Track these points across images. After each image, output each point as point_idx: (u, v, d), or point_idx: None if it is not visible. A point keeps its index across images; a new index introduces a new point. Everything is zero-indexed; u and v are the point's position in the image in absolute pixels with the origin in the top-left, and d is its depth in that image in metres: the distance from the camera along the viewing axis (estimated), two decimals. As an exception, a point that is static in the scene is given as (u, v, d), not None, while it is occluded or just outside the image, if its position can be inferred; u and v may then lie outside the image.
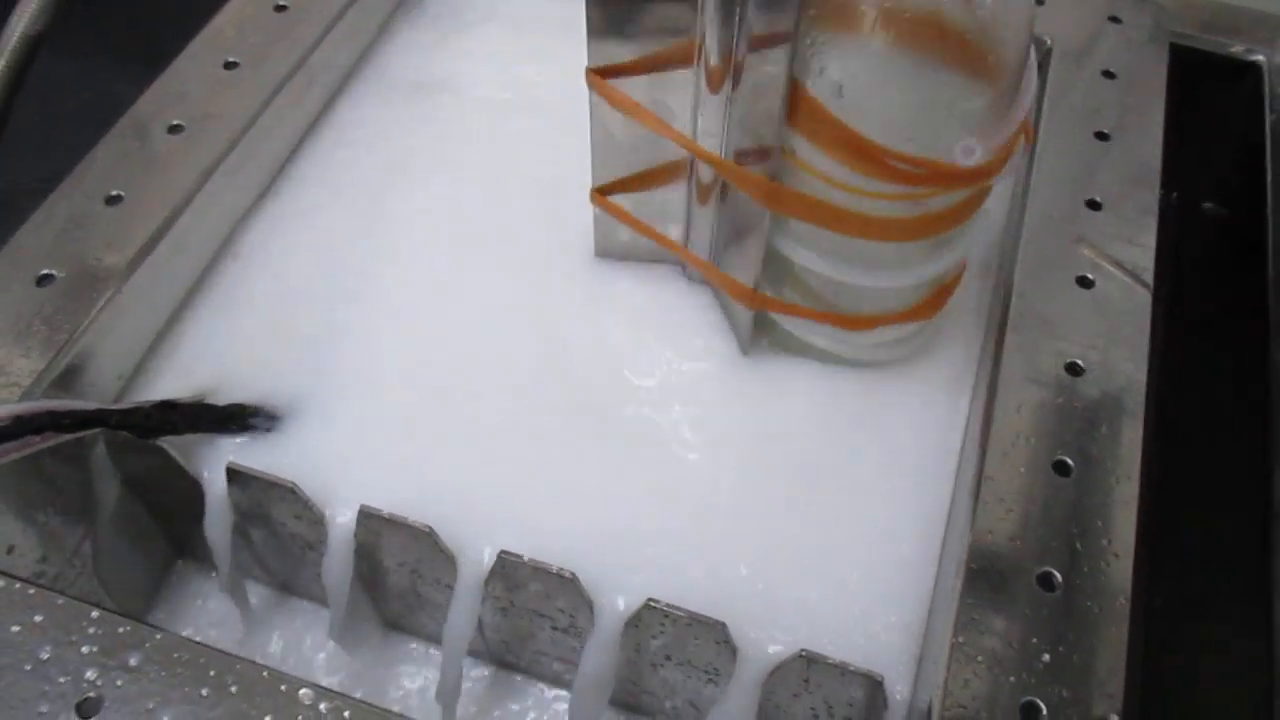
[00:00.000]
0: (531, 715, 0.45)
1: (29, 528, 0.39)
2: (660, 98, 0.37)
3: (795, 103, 0.33)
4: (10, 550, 0.38)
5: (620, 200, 0.41)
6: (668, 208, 0.41)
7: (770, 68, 0.32)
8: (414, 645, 0.46)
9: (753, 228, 0.37)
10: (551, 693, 0.45)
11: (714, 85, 0.35)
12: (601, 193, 0.41)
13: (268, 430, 0.40)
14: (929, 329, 0.42)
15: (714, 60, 0.33)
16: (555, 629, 0.41)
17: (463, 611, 0.37)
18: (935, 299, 0.40)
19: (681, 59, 0.35)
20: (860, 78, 0.32)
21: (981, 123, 0.33)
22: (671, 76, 0.36)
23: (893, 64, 0.32)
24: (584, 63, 0.36)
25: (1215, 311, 0.52)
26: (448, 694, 0.40)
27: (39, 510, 0.39)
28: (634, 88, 0.36)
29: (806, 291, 0.39)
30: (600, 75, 0.36)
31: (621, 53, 0.36)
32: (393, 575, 0.41)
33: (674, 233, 0.42)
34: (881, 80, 0.32)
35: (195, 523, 0.40)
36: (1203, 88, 0.55)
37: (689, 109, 0.37)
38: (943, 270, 0.39)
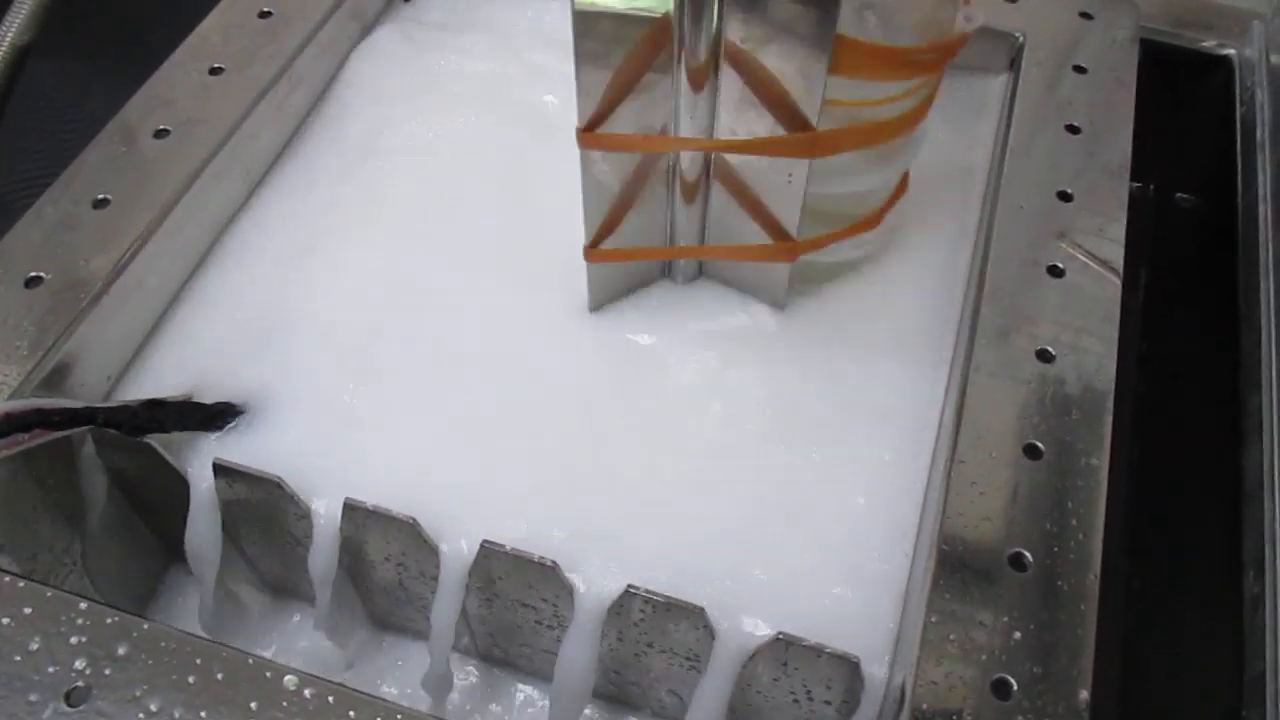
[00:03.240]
0: (518, 710, 0.46)
1: (19, 526, 0.39)
2: (647, 123, 0.37)
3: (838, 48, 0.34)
4: (1, 549, 0.39)
5: (610, 242, 0.42)
6: (650, 227, 0.42)
7: (797, 40, 0.34)
8: (402, 642, 0.47)
9: (776, 191, 0.39)
10: (538, 688, 0.46)
11: (698, 84, 0.36)
12: (594, 245, 0.41)
13: (253, 426, 0.40)
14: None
15: (698, 59, 0.34)
16: (539, 623, 0.41)
17: (447, 601, 0.38)
18: (905, 176, 0.44)
19: (655, 67, 0.36)
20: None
21: None
22: (651, 95, 0.37)
23: None
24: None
25: (1190, 299, 0.53)
26: (435, 685, 0.41)
27: (28, 509, 0.40)
28: (621, 124, 0.37)
29: (824, 219, 0.41)
30: (589, 130, 0.37)
31: (605, 94, 0.36)
32: (379, 569, 0.42)
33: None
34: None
35: (185, 523, 0.41)
36: (1176, 82, 0.56)
37: (670, 120, 0.38)
38: (921, 144, 0.43)
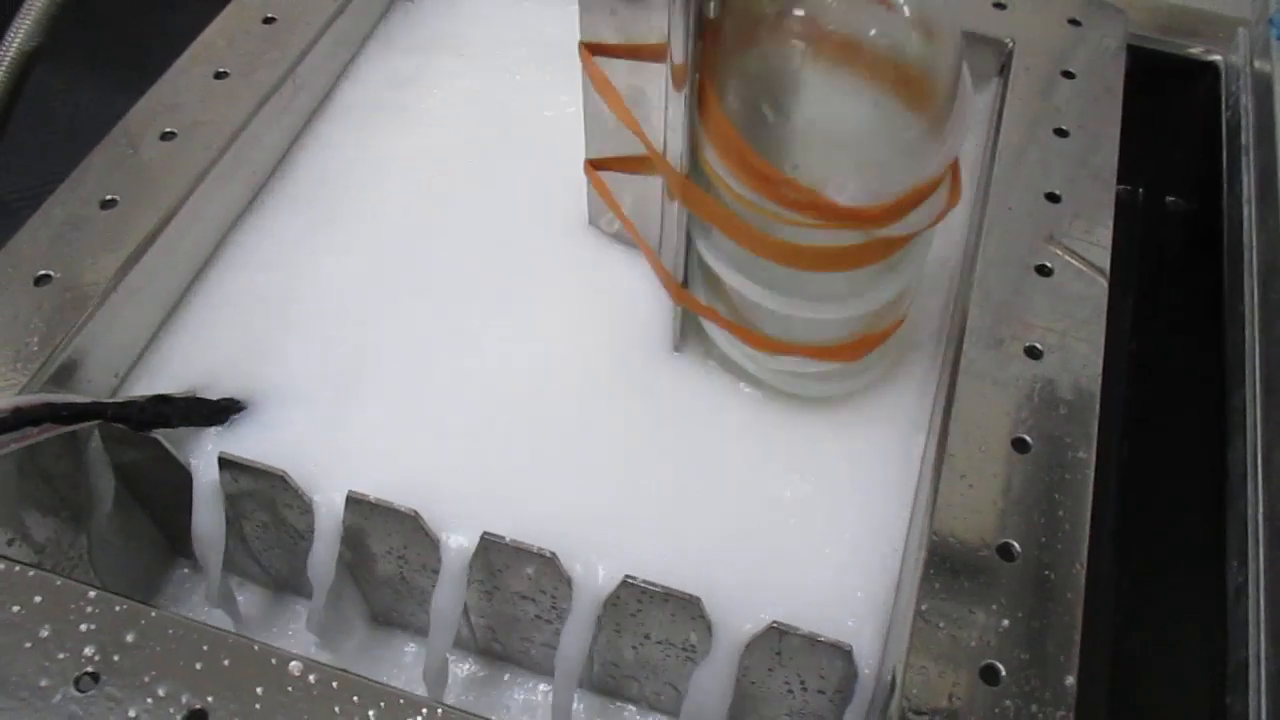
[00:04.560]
0: (517, 703, 0.46)
1: (27, 520, 0.40)
2: (639, 84, 0.38)
3: (705, 111, 0.34)
4: (10, 543, 0.39)
5: (609, 178, 0.42)
6: (650, 199, 0.43)
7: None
8: (403, 637, 0.48)
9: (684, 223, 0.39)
10: (536, 681, 0.47)
11: (677, 83, 0.36)
12: (594, 165, 0.42)
13: (258, 422, 0.41)
14: (863, 375, 0.41)
15: (676, 58, 0.35)
16: (539, 617, 0.42)
17: (448, 592, 0.39)
18: (856, 345, 0.39)
19: (658, 54, 0.36)
20: (785, 97, 0.33)
21: (911, 156, 0.33)
22: (650, 67, 0.37)
23: (814, 82, 0.32)
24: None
25: (1176, 298, 0.53)
26: (433, 677, 0.42)
27: (36, 503, 0.40)
28: (617, 70, 0.38)
29: (727, 302, 0.40)
30: (590, 50, 0.37)
31: (608, 34, 0.37)
32: (380, 563, 0.42)
33: (653, 225, 0.44)
34: (804, 100, 0.33)
35: (190, 518, 0.42)
36: (1164, 87, 0.57)
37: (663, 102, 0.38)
38: (854, 315, 0.38)
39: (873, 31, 0.32)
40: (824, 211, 0.34)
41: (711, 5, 0.33)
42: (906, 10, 0.32)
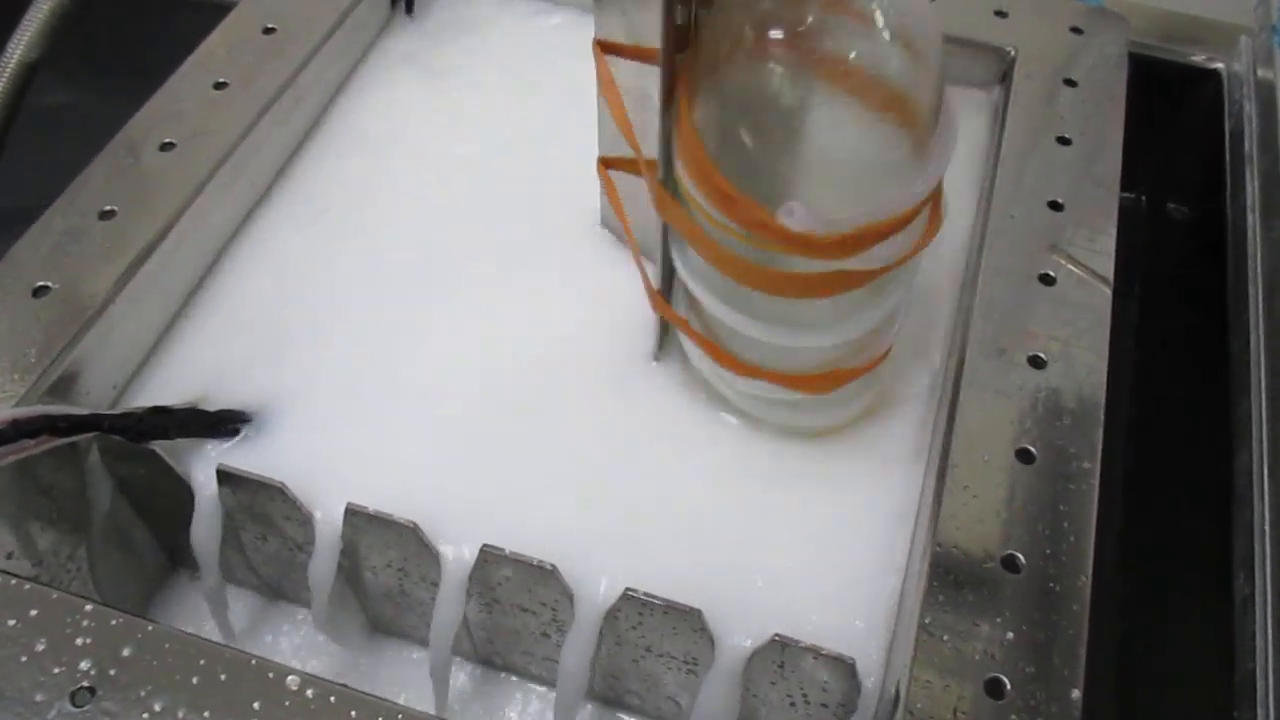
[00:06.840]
0: (518, 714, 0.46)
1: (25, 533, 0.40)
2: (645, 88, 0.38)
3: (680, 120, 0.34)
4: (9, 556, 0.39)
5: (618, 179, 0.42)
6: (647, 202, 0.43)
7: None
8: (403, 648, 0.47)
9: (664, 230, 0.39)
10: (537, 691, 0.46)
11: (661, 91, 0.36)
12: (604, 164, 0.42)
13: (255, 435, 0.41)
14: (839, 410, 0.40)
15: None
16: (543, 634, 0.42)
17: (448, 605, 0.38)
18: (826, 377, 0.38)
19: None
20: (761, 116, 0.32)
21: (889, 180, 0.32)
22: (654, 71, 0.37)
23: (790, 103, 0.31)
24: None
25: (1182, 306, 0.53)
26: (437, 685, 0.41)
27: (35, 515, 0.40)
28: (626, 71, 0.38)
29: (701, 317, 0.39)
30: (602, 49, 0.37)
31: (620, 34, 0.37)
32: (380, 575, 0.42)
33: (649, 230, 0.44)
34: (780, 121, 0.32)
35: (188, 530, 0.41)
36: (1166, 95, 0.57)
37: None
38: (823, 345, 0.37)
39: (853, 54, 0.31)
40: (773, 234, 0.32)
41: (679, 12, 0.33)
42: (886, 29, 0.31)
